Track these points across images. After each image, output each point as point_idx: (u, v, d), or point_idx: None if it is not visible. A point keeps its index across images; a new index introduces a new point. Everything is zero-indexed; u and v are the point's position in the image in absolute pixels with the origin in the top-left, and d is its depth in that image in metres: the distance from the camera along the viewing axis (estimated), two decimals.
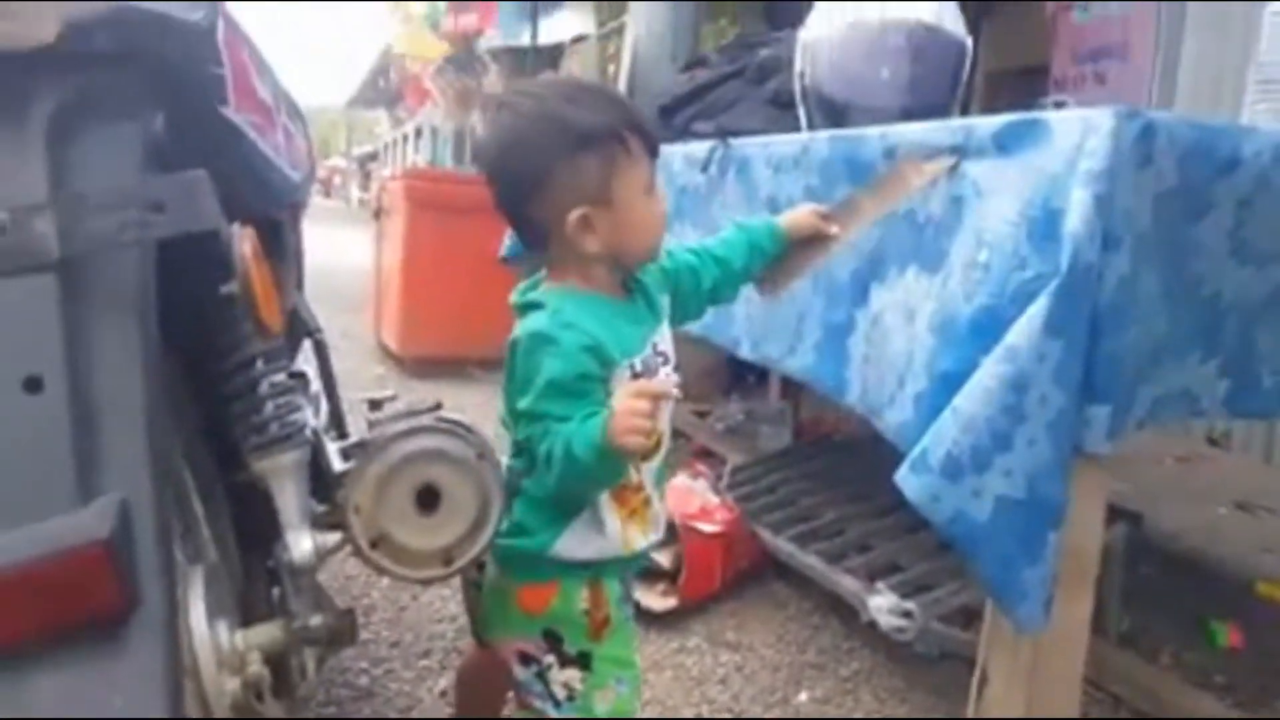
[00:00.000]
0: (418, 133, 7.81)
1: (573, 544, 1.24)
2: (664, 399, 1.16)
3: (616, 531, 1.26)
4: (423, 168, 6.66)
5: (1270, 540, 3.02)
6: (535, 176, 1.21)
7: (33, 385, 0.79)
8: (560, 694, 1.26)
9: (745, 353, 2.03)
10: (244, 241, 0.95)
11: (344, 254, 7.97)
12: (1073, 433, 1.20)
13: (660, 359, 1.30)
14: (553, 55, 7.58)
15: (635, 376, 1.23)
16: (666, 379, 1.27)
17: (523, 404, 1.19)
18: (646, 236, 1.28)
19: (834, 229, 1.51)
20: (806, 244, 1.51)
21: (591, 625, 1.26)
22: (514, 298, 1.30)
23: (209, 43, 1.03)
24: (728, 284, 1.47)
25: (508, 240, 2.97)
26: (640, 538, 1.30)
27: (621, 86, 4.14)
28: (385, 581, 2.35)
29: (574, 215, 1.20)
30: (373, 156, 18.79)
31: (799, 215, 1.53)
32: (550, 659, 1.26)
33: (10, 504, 0.77)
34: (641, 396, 1.10)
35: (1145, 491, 2.94)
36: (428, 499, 1.14)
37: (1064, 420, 1.18)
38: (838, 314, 1.70)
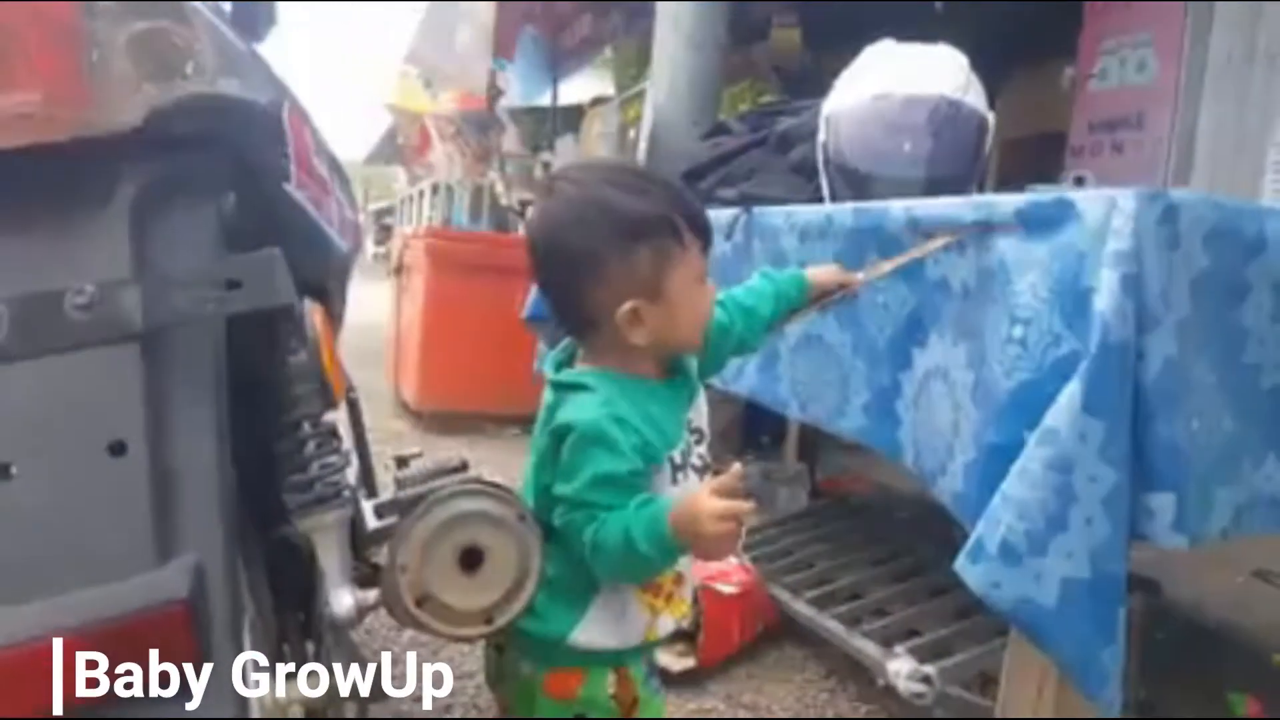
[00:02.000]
0: (433, 190, 7.87)
1: (593, 633, 1.23)
2: (746, 521, 1.09)
3: (644, 624, 1.26)
4: (444, 227, 6.72)
5: None
6: (586, 266, 1.17)
7: (117, 449, 0.83)
8: None
9: (794, 413, 2.03)
10: (315, 314, 1.00)
11: (360, 308, 7.98)
12: (1131, 510, 1.19)
13: (695, 436, 1.29)
14: (572, 117, 7.66)
15: (674, 467, 1.23)
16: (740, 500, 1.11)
17: (564, 490, 1.17)
18: (694, 330, 1.25)
19: (859, 277, 1.61)
20: (826, 294, 1.60)
21: (621, 708, 1.25)
22: (549, 370, 1.28)
23: (277, 125, 1.09)
24: (753, 334, 1.47)
25: (530, 301, 3.02)
26: (671, 622, 1.29)
27: (642, 148, 4.18)
28: (405, 636, 2.36)
29: (624, 309, 1.17)
30: (388, 211, 18.96)
31: (824, 269, 1.61)
32: None
33: (94, 561, 0.81)
34: (726, 519, 1.06)
35: (1162, 559, 2.93)
36: (470, 559, 1.16)
37: (1119, 497, 1.17)
38: (881, 377, 1.71)
